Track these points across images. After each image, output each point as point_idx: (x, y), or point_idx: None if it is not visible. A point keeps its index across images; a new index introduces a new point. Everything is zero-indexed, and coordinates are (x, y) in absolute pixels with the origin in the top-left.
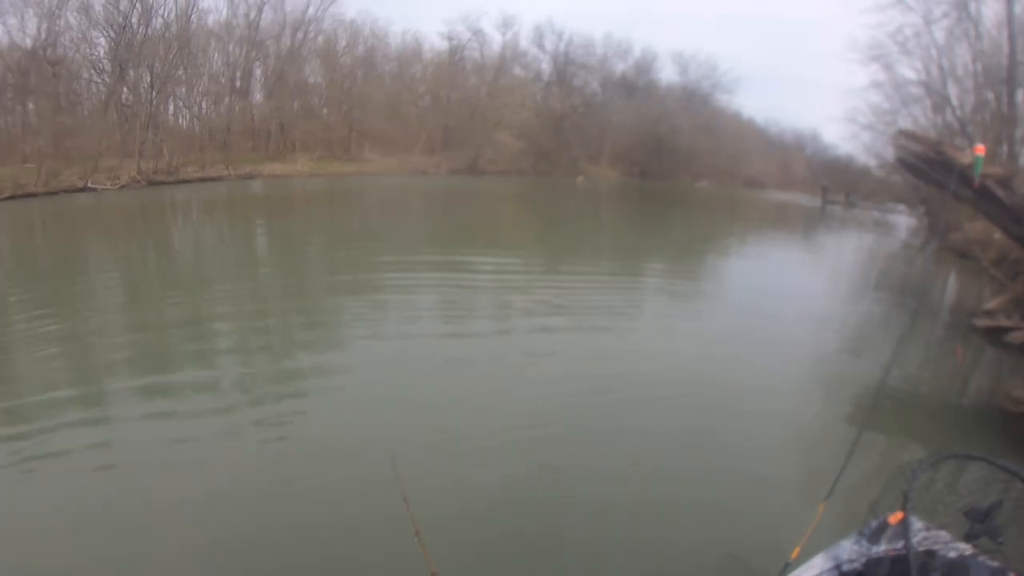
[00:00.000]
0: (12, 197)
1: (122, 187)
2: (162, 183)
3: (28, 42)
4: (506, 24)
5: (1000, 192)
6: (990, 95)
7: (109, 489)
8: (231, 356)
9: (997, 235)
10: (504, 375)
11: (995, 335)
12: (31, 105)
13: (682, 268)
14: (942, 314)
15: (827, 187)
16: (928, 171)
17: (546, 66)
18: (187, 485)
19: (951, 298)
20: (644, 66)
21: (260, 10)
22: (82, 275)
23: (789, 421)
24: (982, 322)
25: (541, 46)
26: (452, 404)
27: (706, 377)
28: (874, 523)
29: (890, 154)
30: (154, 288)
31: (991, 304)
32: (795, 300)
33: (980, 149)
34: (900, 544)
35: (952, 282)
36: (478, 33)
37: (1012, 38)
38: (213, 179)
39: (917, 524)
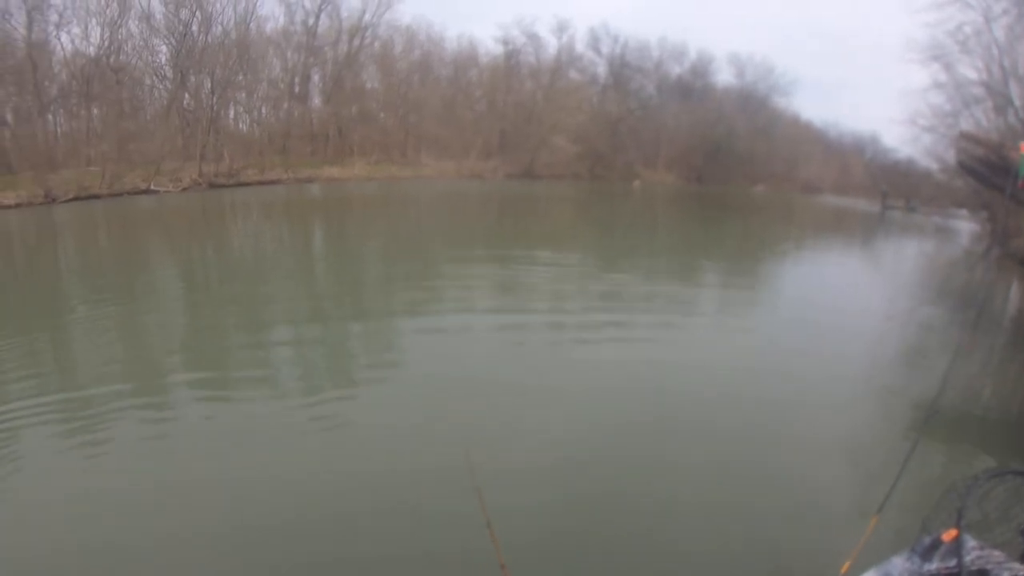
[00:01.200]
0: (77, 199)
1: (184, 190)
2: (222, 186)
3: (92, 50)
4: (560, 28)
5: None
6: None
7: (182, 474)
8: (303, 349)
9: None
10: (561, 374)
11: None
12: (95, 111)
13: (737, 276)
14: (1003, 324)
15: (886, 192)
16: (989, 175)
17: (602, 69)
18: (257, 472)
19: (1012, 307)
20: (700, 69)
21: (317, 17)
22: (144, 274)
23: (842, 433)
24: None
25: (596, 49)
26: (514, 396)
27: (759, 386)
28: (927, 540)
29: (951, 157)
30: (220, 284)
31: None
32: (851, 310)
33: None
34: (953, 563)
35: (1014, 291)
36: (533, 37)
37: None
38: (272, 182)
39: (971, 542)
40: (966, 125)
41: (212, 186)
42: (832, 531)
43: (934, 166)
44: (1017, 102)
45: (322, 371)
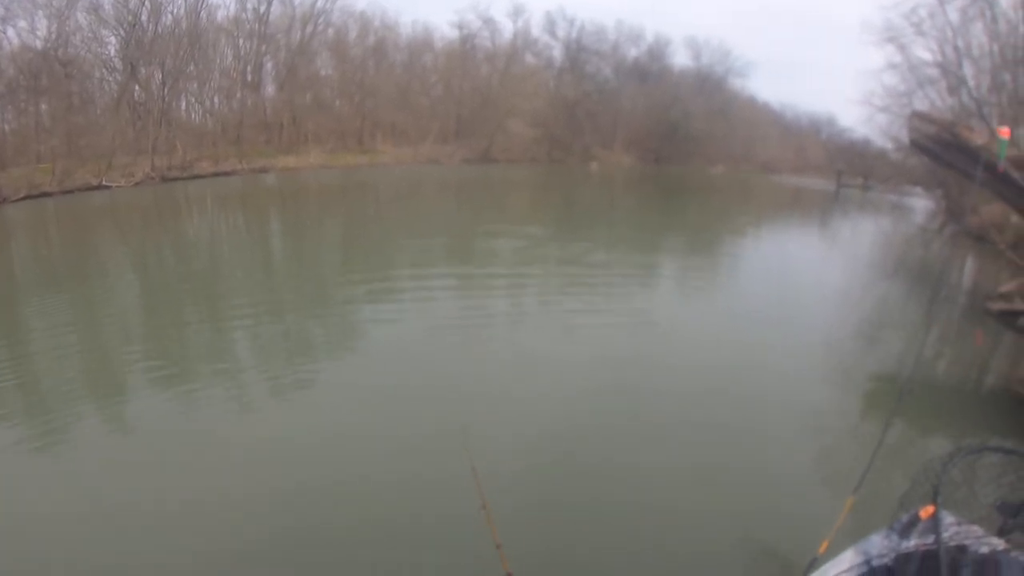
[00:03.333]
0: (28, 197)
1: (136, 184)
2: (176, 179)
3: (39, 43)
4: (517, 12)
5: (1016, 174)
6: (1007, 76)
7: (151, 483)
8: (277, 335)
9: (1015, 218)
10: (527, 362)
11: (1010, 318)
12: (44, 106)
13: (698, 256)
14: (959, 298)
15: (842, 171)
16: (942, 153)
17: (558, 53)
18: (245, 450)
19: (968, 282)
20: (657, 51)
21: (269, 4)
22: (100, 272)
23: (811, 411)
24: (997, 305)
25: (553, 33)
26: (499, 376)
27: (726, 368)
28: (904, 517)
29: (906, 136)
30: (179, 281)
31: (1006, 287)
32: (812, 288)
33: (1005, 132)
34: (931, 539)
35: (969, 266)
36: (488, 21)
37: None
38: (226, 174)
39: (949, 519)
40: (920, 105)
41: (165, 179)
42: (809, 511)
43: (889, 145)
44: (971, 82)
45: (296, 356)
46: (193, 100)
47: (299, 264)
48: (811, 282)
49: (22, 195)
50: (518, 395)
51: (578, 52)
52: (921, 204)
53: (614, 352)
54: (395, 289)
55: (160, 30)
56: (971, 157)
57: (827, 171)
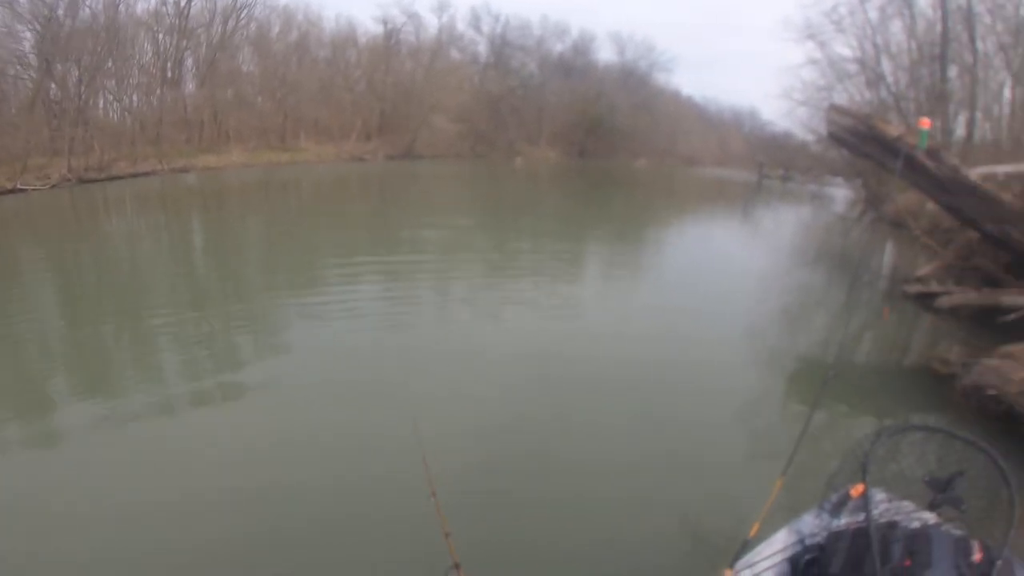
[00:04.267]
0: None
1: (53, 187)
2: (94, 180)
3: None
4: (441, 7)
5: (929, 163)
6: (923, 71)
7: (81, 493)
8: (204, 346)
9: (930, 205)
10: (467, 355)
11: (926, 300)
12: None
13: (621, 246)
14: (879, 283)
15: (763, 163)
16: (859, 144)
17: (483, 48)
18: (192, 452)
19: (887, 267)
20: (582, 47)
21: None
22: (15, 283)
23: (740, 398)
24: (914, 288)
25: (478, 28)
26: (439, 368)
27: (656, 358)
28: (835, 496)
29: (825, 129)
30: (109, 289)
31: (923, 271)
32: (737, 277)
33: (925, 123)
34: (861, 516)
35: (888, 251)
36: (413, 16)
37: (945, 16)
38: (146, 174)
39: (880, 496)
40: (839, 99)
41: (83, 181)
42: (742, 496)
43: (810, 138)
44: (889, 78)
45: (227, 359)
46: (111, 98)
47: (226, 266)
48: (735, 271)
49: None
50: (461, 388)
51: (503, 47)
52: (841, 194)
53: (547, 345)
54: (326, 286)
55: (77, 25)
56: (888, 148)
57: (750, 163)
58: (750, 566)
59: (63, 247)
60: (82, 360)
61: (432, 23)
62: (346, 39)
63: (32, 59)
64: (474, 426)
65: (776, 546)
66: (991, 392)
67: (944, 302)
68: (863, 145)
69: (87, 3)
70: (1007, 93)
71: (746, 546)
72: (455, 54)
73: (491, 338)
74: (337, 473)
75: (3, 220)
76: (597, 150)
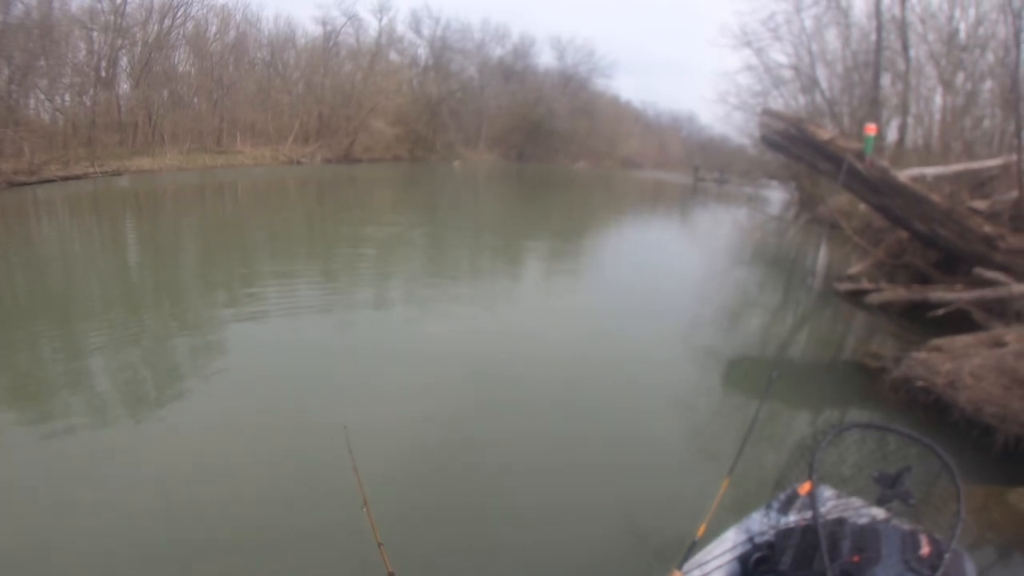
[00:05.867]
0: None
1: None
2: (23, 184)
3: None
4: (382, 9)
5: (859, 166)
6: (857, 78)
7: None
8: (130, 356)
9: (861, 206)
10: (400, 358)
11: (858, 297)
12: None
13: (559, 247)
14: (814, 282)
15: (698, 166)
16: (791, 147)
17: (423, 51)
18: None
19: (821, 266)
20: (522, 51)
21: None
22: None
23: (683, 399)
24: (845, 286)
25: (418, 31)
26: (371, 375)
27: (588, 357)
28: (782, 495)
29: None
30: (31, 299)
31: (854, 269)
32: (674, 275)
33: (871, 128)
34: (810, 514)
35: (822, 251)
36: (353, 18)
37: (879, 26)
38: (77, 177)
39: (828, 493)
40: (775, 104)
41: (12, 184)
42: (685, 496)
43: (746, 141)
44: (823, 84)
45: (157, 368)
46: (43, 98)
47: (157, 271)
48: (673, 271)
49: None
50: (394, 392)
51: (443, 50)
52: (776, 196)
53: (484, 346)
54: (258, 293)
55: (9, 20)
56: (821, 152)
57: (687, 166)
58: (699, 566)
59: None
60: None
61: (372, 25)
62: (285, 40)
63: None
64: (407, 431)
65: (725, 545)
66: (920, 384)
67: (875, 298)
68: (795, 148)
69: None
70: (938, 99)
71: (695, 546)
72: (395, 56)
73: (423, 340)
74: (265, 482)
75: None
76: (536, 153)
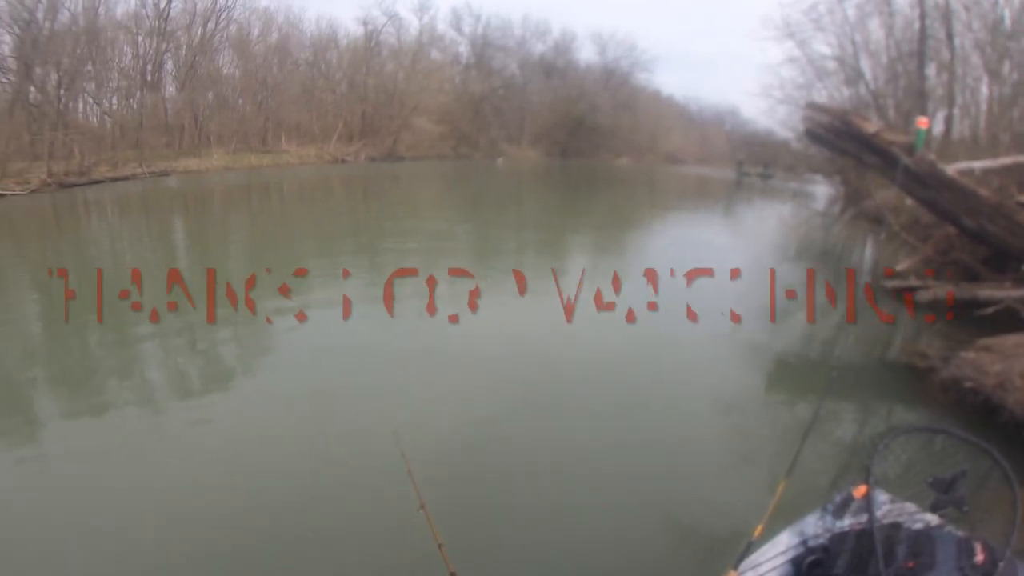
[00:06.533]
0: None
1: (33, 191)
2: (74, 185)
3: None
4: (422, 8)
5: (907, 160)
6: (901, 68)
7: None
8: (183, 352)
9: (909, 201)
10: (448, 359)
11: (906, 295)
12: None
13: (605, 244)
14: (861, 279)
15: (742, 161)
16: (836, 141)
17: (464, 49)
18: (170, 476)
19: (868, 262)
20: (563, 46)
21: (169, 0)
22: None
23: (736, 399)
24: (892, 283)
25: (459, 29)
26: (429, 374)
27: (641, 356)
28: (838, 498)
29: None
30: (88, 293)
31: (901, 266)
32: (720, 273)
33: (923, 122)
34: (865, 518)
35: (869, 247)
36: (394, 17)
37: (923, 14)
38: (126, 178)
39: (882, 497)
40: (819, 97)
41: (63, 186)
42: (743, 498)
43: (790, 135)
44: (868, 75)
45: (206, 367)
46: (91, 101)
47: (204, 268)
48: (719, 269)
49: None
50: (443, 393)
51: (484, 48)
52: (822, 191)
53: (531, 343)
54: (307, 289)
55: (57, 28)
56: (868, 147)
57: (730, 161)
58: (754, 567)
59: (43, 249)
60: (58, 359)
61: (413, 24)
62: (327, 41)
63: (11, 63)
64: (458, 433)
65: (779, 547)
66: (968, 385)
67: (923, 296)
68: (841, 142)
69: (67, 6)
70: (984, 90)
71: (750, 547)
72: (436, 55)
73: (471, 338)
74: (321, 486)
75: None
76: (579, 149)
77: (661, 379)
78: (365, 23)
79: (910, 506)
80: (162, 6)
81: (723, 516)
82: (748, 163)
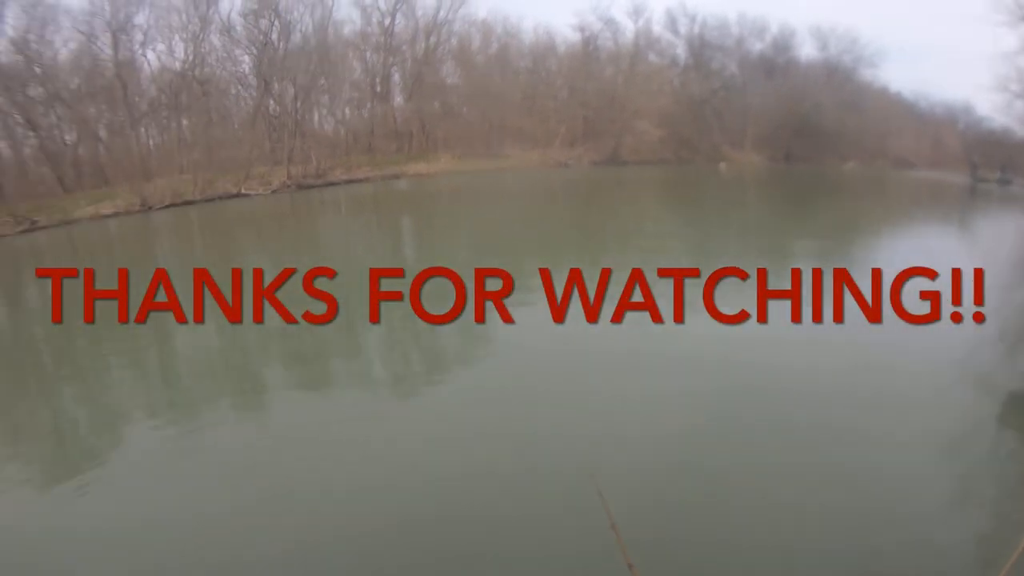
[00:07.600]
0: (172, 205)
1: (273, 192)
2: (311, 186)
3: (177, 65)
4: (637, 11)
5: None
6: None
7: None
8: (403, 347)
9: None
10: (650, 367)
11: None
12: (184, 121)
13: (831, 259)
14: None
15: (976, 163)
16: None
17: (681, 51)
18: (361, 483)
19: None
20: (782, 43)
21: (393, 17)
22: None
23: (944, 431)
24: None
25: (675, 31)
26: (624, 391)
27: (852, 384)
28: None
29: None
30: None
31: None
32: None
33: None
34: None
35: None
36: (610, 22)
37: None
38: (359, 180)
39: None
40: None
41: (300, 187)
42: (983, 543)
43: None
44: None
45: (418, 367)
46: (325, 112)
47: (429, 261)
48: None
49: (167, 203)
50: (640, 405)
51: (701, 49)
52: None
53: (739, 359)
54: (525, 290)
55: (290, 47)
56: None
57: (963, 164)
58: None
59: (288, 239)
60: (287, 344)
61: (628, 28)
62: (545, 48)
63: (251, 79)
64: (652, 447)
65: None
66: None
67: None
68: None
69: (299, 27)
70: None
71: None
72: (653, 58)
73: (680, 345)
74: (512, 503)
75: (230, 217)
76: (803, 153)
77: (877, 404)
78: (582, 29)
79: None
80: (386, 23)
81: (963, 560)
82: (984, 167)
